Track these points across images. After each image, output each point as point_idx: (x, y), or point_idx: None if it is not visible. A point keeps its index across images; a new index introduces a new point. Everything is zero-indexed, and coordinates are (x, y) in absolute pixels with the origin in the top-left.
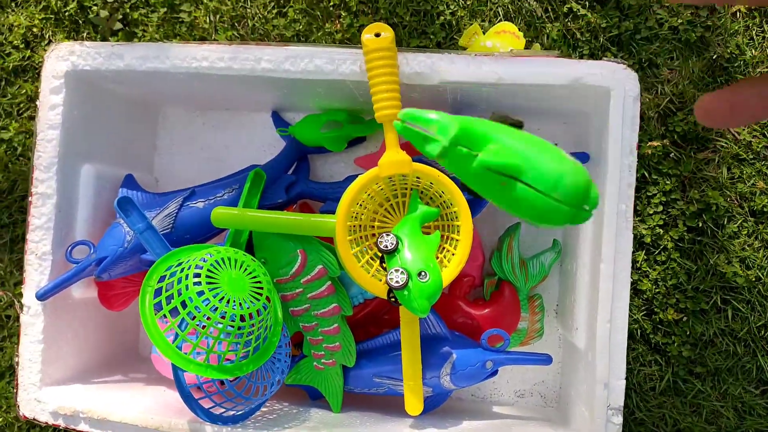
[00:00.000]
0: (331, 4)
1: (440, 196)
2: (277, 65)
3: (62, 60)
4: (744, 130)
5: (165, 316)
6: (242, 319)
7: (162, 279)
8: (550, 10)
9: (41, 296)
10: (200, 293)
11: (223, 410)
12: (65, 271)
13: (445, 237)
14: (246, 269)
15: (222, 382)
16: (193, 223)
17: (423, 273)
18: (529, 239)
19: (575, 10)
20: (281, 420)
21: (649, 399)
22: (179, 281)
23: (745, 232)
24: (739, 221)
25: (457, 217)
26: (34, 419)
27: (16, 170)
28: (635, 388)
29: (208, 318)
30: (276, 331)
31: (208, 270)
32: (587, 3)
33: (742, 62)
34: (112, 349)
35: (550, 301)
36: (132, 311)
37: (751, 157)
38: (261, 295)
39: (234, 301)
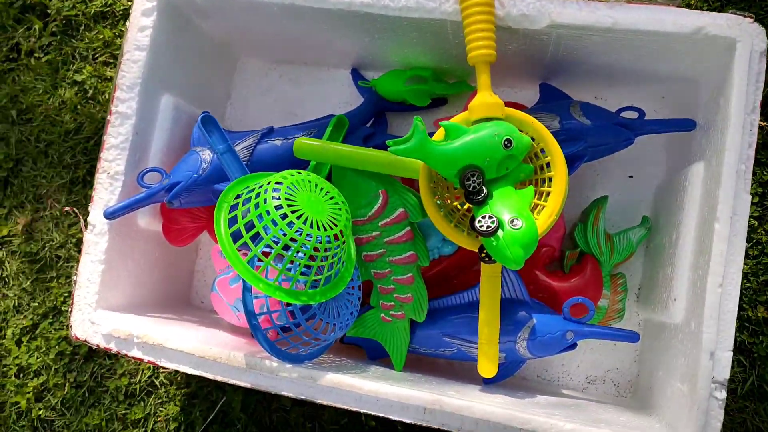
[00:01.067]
0: None
1: (534, 147)
2: (377, 0)
3: None
4: None
5: (245, 243)
6: (318, 242)
7: (234, 207)
8: None
9: (110, 214)
10: (278, 207)
11: (288, 345)
12: (135, 194)
13: (538, 193)
14: (325, 193)
15: (292, 313)
16: (270, 159)
17: (515, 220)
18: (615, 215)
19: None
20: (342, 369)
21: (728, 402)
22: (258, 204)
23: None
24: None
25: (549, 168)
26: (86, 340)
27: (84, 112)
28: None
29: (284, 234)
30: (348, 267)
31: (288, 188)
32: None
33: None
34: (166, 289)
35: (633, 284)
36: (189, 257)
37: None
38: (338, 221)
39: (313, 221)
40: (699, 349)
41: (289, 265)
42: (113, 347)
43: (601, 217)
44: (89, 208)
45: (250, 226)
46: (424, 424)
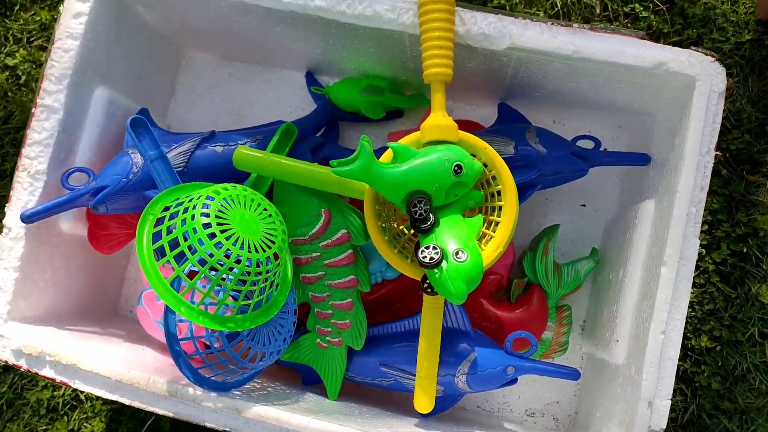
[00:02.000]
0: None
1: (485, 174)
2: (332, 5)
3: None
4: None
5: (165, 250)
6: (248, 265)
7: (161, 221)
8: (609, 8)
9: (27, 218)
10: (207, 225)
11: (212, 374)
12: (57, 197)
13: (487, 222)
14: (262, 210)
15: (218, 339)
16: (209, 166)
17: (460, 252)
18: (565, 245)
19: (637, 11)
20: (271, 397)
21: (668, 431)
22: (185, 220)
23: None
24: None
25: (500, 196)
26: None
27: (16, 100)
28: None
29: (212, 255)
30: (283, 290)
31: (220, 204)
32: (651, 5)
33: None
34: (90, 298)
35: (578, 315)
36: (118, 263)
37: None
38: (275, 241)
39: (245, 242)
40: (638, 396)
41: (216, 288)
42: (23, 364)
43: (550, 246)
44: (5, 209)
45: (176, 242)
46: None
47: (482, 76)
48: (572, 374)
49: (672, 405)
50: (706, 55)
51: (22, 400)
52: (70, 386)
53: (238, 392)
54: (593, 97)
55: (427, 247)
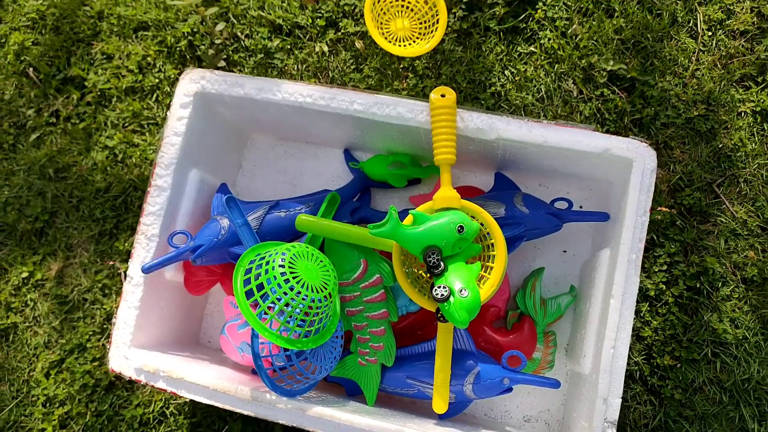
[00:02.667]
0: (401, 66)
1: (482, 231)
2: (367, 108)
3: (194, 83)
4: (741, 208)
5: (253, 297)
6: (311, 302)
7: (248, 271)
8: (585, 92)
9: (147, 269)
10: (283, 273)
11: (284, 382)
12: (166, 253)
13: (484, 267)
14: (319, 261)
15: (288, 357)
16: (275, 228)
17: (463, 290)
18: (551, 283)
19: (606, 94)
20: (326, 402)
21: None
22: (267, 270)
23: (736, 296)
24: (732, 286)
25: (493, 248)
26: (120, 373)
27: (113, 174)
28: (630, 423)
29: (286, 294)
30: (334, 321)
31: (291, 257)
32: (616, 89)
33: (743, 153)
34: (181, 330)
35: (562, 341)
36: (200, 303)
37: (746, 233)
38: (328, 284)
39: (308, 285)
40: (596, 395)
41: (288, 319)
42: (143, 379)
43: (537, 285)
44: (129, 263)
45: (259, 286)
46: None
47: (480, 155)
48: (554, 384)
49: (643, 413)
50: (641, 141)
51: (119, 417)
52: (177, 394)
53: (301, 398)
54: (565, 169)
55: (439, 287)
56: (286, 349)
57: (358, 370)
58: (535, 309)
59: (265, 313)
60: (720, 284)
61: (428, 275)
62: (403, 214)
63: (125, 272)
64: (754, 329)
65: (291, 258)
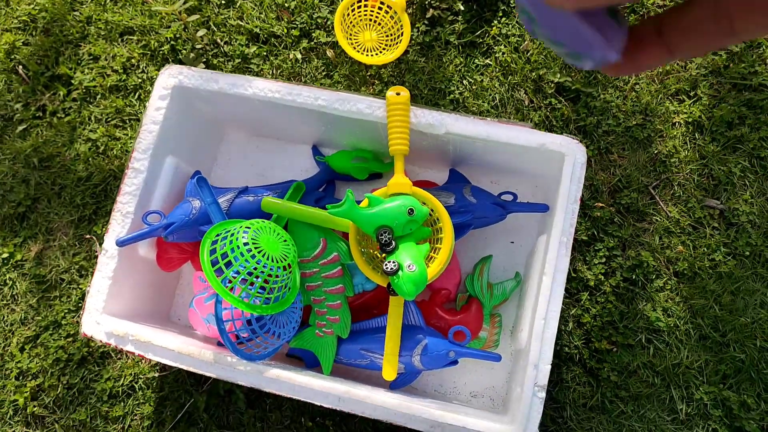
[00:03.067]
0: (368, 73)
1: (432, 216)
2: (330, 104)
3: (172, 77)
4: (675, 209)
5: (220, 268)
6: (271, 271)
7: (215, 242)
8: (534, 101)
9: (121, 243)
10: (246, 244)
11: (245, 347)
12: (140, 229)
13: (433, 248)
14: (279, 237)
15: (250, 323)
16: (243, 211)
17: (411, 265)
18: (499, 270)
19: (554, 104)
20: (284, 368)
21: (580, 413)
22: (231, 240)
23: (669, 288)
24: (665, 279)
25: (442, 231)
26: (91, 337)
27: (95, 164)
28: (570, 403)
29: (248, 261)
30: (293, 292)
31: (254, 232)
32: (563, 99)
33: (677, 159)
34: (152, 305)
35: (508, 323)
36: (171, 282)
37: (678, 230)
38: (288, 256)
39: (269, 255)
40: (527, 362)
41: (249, 286)
42: (113, 342)
43: (485, 270)
44: (104, 237)
45: (224, 257)
46: (338, 409)
47: (433, 150)
48: (495, 357)
49: (582, 393)
50: (572, 138)
51: (89, 390)
52: (145, 357)
53: (262, 363)
54: (511, 164)
55: (389, 262)
56: (248, 315)
57: (315, 342)
58: (482, 292)
59: (229, 281)
60: (654, 276)
61: (381, 254)
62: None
63: (101, 245)
64: (684, 318)
65: (254, 231)
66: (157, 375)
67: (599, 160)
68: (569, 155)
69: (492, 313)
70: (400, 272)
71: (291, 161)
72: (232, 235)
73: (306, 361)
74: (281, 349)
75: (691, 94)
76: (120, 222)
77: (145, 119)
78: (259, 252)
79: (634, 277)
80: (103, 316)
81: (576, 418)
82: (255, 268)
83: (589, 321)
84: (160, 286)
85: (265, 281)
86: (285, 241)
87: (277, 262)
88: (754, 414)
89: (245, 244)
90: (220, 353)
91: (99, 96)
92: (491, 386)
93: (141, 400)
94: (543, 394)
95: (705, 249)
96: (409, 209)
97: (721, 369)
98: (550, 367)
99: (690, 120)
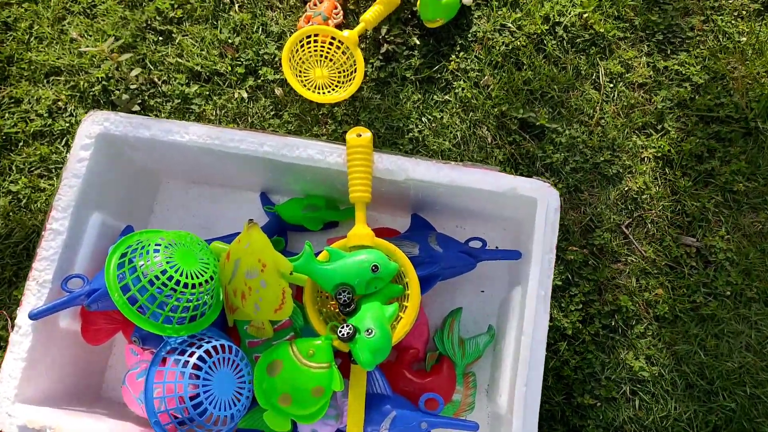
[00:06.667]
0: (320, 112)
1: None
2: (277, 150)
3: (97, 124)
4: (650, 248)
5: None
6: (184, 287)
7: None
8: (498, 138)
9: (34, 315)
10: (156, 257)
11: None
12: (59, 298)
13: (402, 307)
14: (200, 248)
15: (185, 410)
16: None
17: (370, 330)
18: (469, 323)
19: (518, 140)
20: None
21: None
22: (142, 254)
23: (650, 333)
24: (645, 324)
25: (408, 286)
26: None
27: (15, 219)
28: None
29: (158, 278)
30: (215, 310)
31: (168, 243)
32: (527, 136)
33: (648, 195)
34: (80, 383)
35: (483, 381)
36: (102, 355)
37: (655, 271)
38: (207, 270)
39: (184, 271)
40: None
41: (160, 303)
42: None
43: (456, 325)
44: (17, 312)
45: (133, 271)
46: None
47: (394, 195)
48: (472, 426)
49: None
50: (544, 181)
51: None
52: None
53: None
54: (477, 209)
55: (344, 326)
56: (182, 401)
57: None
58: (453, 350)
59: (136, 295)
60: (634, 322)
61: (341, 315)
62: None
63: (13, 321)
64: (669, 366)
65: (168, 243)
66: None
67: (569, 199)
68: (542, 200)
69: (465, 372)
70: (357, 337)
71: (237, 210)
72: (143, 248)
73: None
74: None
75: (658, 127)
76: (35, 293)
77: (66, 173)
78: (172, 267)
79: (613, 323)
80: (17, 406)
81: None
82: (165, 285)
83: (570, 374)
84: (88, 359)
85: (177, 299)
86: (204, 253)
87: (192, 277)
88: None
89: (155, 256)
90: None
91: (21, 143)
92: None
93: None
94: None
95: (684, 290)
96: (374, 266)
97: (711, 420)
98: None
99: (659, 154)
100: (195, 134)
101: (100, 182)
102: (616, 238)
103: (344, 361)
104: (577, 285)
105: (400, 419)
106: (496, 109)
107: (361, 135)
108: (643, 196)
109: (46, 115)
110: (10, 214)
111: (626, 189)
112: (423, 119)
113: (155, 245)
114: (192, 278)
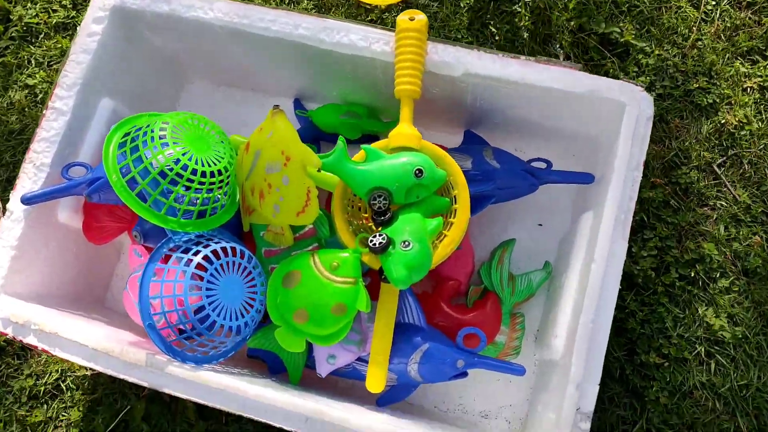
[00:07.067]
0: (368, 18)
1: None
2: (314, 33)
3: None
4: (745, 192)
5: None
6: (192, 176)
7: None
8: (572, 57)
9: (27, 200)
10: (162, 137)
11: (185, 347)
12: (57, 184)
13: (447, 224)
14: (215, 136)
15: (185, 313)
16: None
17: (407, 242)
18: (523, 258)
19: (596, 59)
20: (235, 375)
21: None
22: (146, 132)
23: (736, 290)
24: (732, 278)
25: (456, 201)
26: None
27: (31, 114)
28: (606, 430)
29: (162, 159)
30: (229, 210)
31: (176, 125)
32: (609, 54)
33: (748, 132)
34: (80, 287)
35: (532, 326)
36: (110, 260)
37: (749, 219)
38: (222, 159)
39: (193, 156)
40: (567, 380)
41: (163, 191)
42: (10, 332)
43: (506, 257)
44: (10, 195)
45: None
46: None
47: (447, 101)
48: (518, 370)
49: (622, 418)
50: (636, 85)
51: (5, 388)
52: (50, 353)
53: (208, 366)
54: (545, 124)
55: (377, 235)
56: (181, 303)
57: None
58: (501, 284)
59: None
60: (718, 275)
61: (376, 226)
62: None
63: (5, 205)
64: (755, 328)
65: (177, 126)
66: (88, 373)
67: (652, 130)
68: (631, 105)
69: (513, 312)
70: (391, 250)
71: None
72: (147, 133)
73: (269, 365)
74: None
75: (766, 53)
76: (32, 176)
77: (74, 47)
78: (181, 151)
79: (693, 274)
80: (2, 297)
81: None
82: (171, 169)
83: (635, 327)
84: (91, 264)
85: (183, 186)
86: (222, 142)
87: (205, 164)
88: None
89: (161, 138)
90: (152, 353)
91: (42, 35)
92: (508, 405)
93: (68, 404)
94: (587, 425)
95: None
96: (417, 169)
97: None
98: (598, 387)
99: (765, 85)
100: (220, 11)
101: (113, 64)
102: (705, 178)
103: (374, 281)
104: (654, 228)
105: (433, 353)
106: (572, 23)
107: (414, 18)
108: (742, 132)
109: (69, 6)
110: (26, 109)
111: (722, 122)
112: (484, 32)
113: (161, 125)
114: (203, 166)
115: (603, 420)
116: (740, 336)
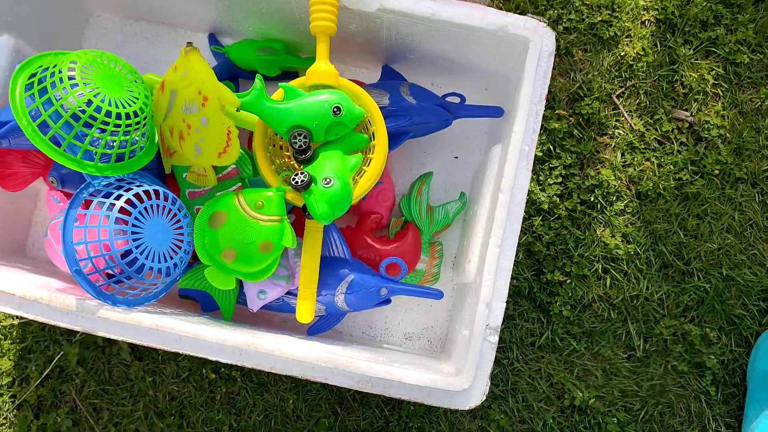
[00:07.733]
0: None
1: (364, 119)
2: None
3: None
4: (640, 121)
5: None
6: (107, 117)
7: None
8: None
9: None
10: (71, 78)
11: (114, 290)
12: None
13: (366, 160)
14: (127, 78)
15: (112, 258)
16: None
17: (328, 179)
18: (440, 191)
19: None
20: (168, 314)
21: (528, 353)
22: (53, 73)
23: (630, 211)
24: (626, 201)
25: (374, 138)
26: None
27: None
28: (517, 341)
29: (73, 102)
30: (149, 153)
31: (85, 65)
32: None
33: (645, 63)
34: None
35: (450, 253)
36: (26, 207)
37: (643, 146)
38: (137, 100)
39: (105, 96)
40: (478, 299)
41: (80, 136)
42: None
43: (424, 189)
44: None
45: (45, 92)
46: (239, 365)
47: (363, 38)
48: (436, 294)
49: (530, 331)
50: (540, 21)
51: None
52: None
53: (140, 308)
54: (459, 59)
55: (299, 173)
56: (108, 248)
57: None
58: (420, 216)
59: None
60: (614, 198)
61: (298, 164)
62: None
63: None
64: (645, 245)
65: (86, 65)
66: (16, 322)
67: (557, 63)
68: (535, 41)
69: (432, 241)
70: (313, 187)
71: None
72: (56, 66)
73: (202, 303)
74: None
75: None
76: None
77: None
78: (91, 91)
79: (592, 198)
80: None
81: (523, 359)
82: (82, 111)
83: (542, 250)
84: (6, 213)
85: (101, 130)
86: (136, 81)
87: (119, 105)
88: (715, 348)
89: (70, 78)
90: (82, 298)
91: None
92: (429, 326)
93: None
94: (496, 338)
95: (671, 167)
96: (336, 107)
97: (683, 301)
98: (504, 305)
99: (661, 17)
100: None
101: None
102: (605, 108)
103: (298, 218)
104: (559, 157)
105: (358, 283)
106: None
107: None
108: (639, 64)
109: None
110: None
111: (622, 54)
112: None
113: (69, 64)
114: (117, 107)
115: (514, 333)
116: (632, 253)
